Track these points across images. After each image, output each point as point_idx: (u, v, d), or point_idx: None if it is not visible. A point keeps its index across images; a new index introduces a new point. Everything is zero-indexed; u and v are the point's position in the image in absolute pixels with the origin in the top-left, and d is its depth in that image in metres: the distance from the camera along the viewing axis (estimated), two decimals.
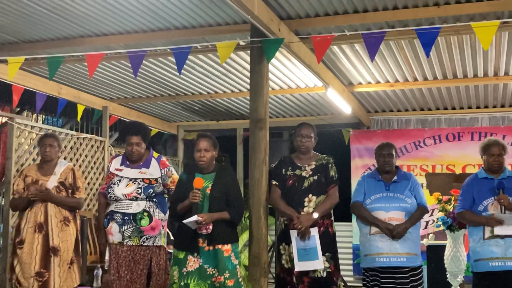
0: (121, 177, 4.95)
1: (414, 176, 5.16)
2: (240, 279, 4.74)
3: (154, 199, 4.96)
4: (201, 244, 4.65)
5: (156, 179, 4.97)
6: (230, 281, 4.63)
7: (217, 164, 4.94)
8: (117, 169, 5.01)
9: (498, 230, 4.69)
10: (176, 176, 5.08)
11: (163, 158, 5.13)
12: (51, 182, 5.27)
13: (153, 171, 5.00)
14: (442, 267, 5.97)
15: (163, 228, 5.01)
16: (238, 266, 4.81)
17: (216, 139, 4.91)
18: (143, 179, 4.93)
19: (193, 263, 4.65)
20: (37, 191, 5.15)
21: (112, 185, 4.94)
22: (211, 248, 4.65)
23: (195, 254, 4.65)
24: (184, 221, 4.57)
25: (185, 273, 4.66)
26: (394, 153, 5.09)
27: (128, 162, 5.02)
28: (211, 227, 4.64)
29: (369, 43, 4.93)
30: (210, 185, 4.74)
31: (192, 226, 4.60)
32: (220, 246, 4.67)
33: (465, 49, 6.41)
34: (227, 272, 4.64)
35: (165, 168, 5.05)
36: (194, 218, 4.54)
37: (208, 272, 4.62)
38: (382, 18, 5.38)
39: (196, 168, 4.87)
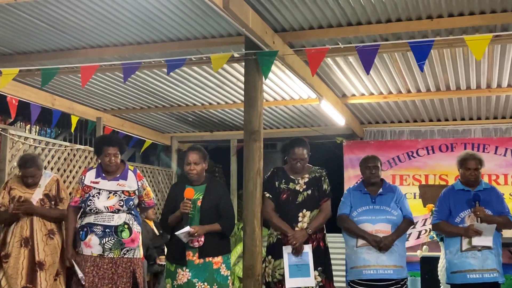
0: (100, 189, 4.88)
1: (399, 189, 5.18)
2: None
3: (132, 212, 4.95)
4: (191, 257, 4.65)
5: (134, 191, 4.95)
6: None
7: (207, 176, 4.93)
8: (93, 182, 4.92)
9: (476, 241, 4.71)
10: (149, 189, 5.10)
11: (138, 171, 5.13)
12: (36, 195, 5.24)
13: (131, 183, 4.97)
14: (436, 279, 5.98)
15: (140, 241, 5.01)
16: (229, 277, 4.80)
17: (210, 150, 4.92)
18: (123, 192, 4.90)
19: (182, 276, 4.65)
20: (19, 206, 5.13)
21: (91, 197, 4.85)
22: (201, 261, 4.64)
23: (184, 268, 4.65)
24: (176, 233, 4.57)
25: (176, 286, 4.66)
26: (379, 165, 5.10)
27: (104, 175, 4.97)
28: (203, 239, 4.64)
29: (363, 55, 4.96)
30: (201, 197, 4.74)
31: (184, 239, 4.59)
32: (210, 258, 4.67)
33: (458, 62, 6.45)
34: (215, 284, 4.64)
35: (141, 180, 5.04)
36: (186, 229, 4.54)
37: (196, 286, 4.61)
38: (375, 30, 5.41)
39: (186, 180, 4.87)
